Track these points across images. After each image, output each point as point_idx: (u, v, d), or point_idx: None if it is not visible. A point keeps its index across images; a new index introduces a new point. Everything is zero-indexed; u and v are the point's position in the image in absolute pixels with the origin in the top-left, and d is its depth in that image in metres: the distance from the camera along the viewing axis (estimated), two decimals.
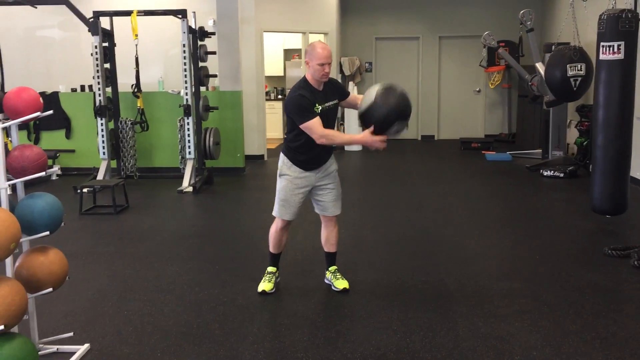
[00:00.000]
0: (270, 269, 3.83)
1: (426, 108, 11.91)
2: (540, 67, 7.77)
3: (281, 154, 3.66)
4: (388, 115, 3.29)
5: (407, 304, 3.55)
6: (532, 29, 7.93)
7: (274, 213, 3.70)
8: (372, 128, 3.33)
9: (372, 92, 3.34)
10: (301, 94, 3.43)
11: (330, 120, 3.59)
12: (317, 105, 3.45)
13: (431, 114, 11.93)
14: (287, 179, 3.60)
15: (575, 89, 6.33)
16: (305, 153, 3.55)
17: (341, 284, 3.76)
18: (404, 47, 11.84)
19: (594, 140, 4.92)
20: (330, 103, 3.56)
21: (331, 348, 3.01)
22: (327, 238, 3.81)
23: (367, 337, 3.12)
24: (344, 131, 10.66)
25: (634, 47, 4.61)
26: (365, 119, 3.36)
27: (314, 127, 3.39)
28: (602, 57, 4.68)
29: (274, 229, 3.75)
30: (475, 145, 10.38)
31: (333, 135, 3.48)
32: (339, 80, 10.73)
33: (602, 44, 4.67)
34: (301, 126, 3.41)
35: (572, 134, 8.47)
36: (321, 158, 3.61)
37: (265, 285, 3.75)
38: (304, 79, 3.53)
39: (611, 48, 4.59)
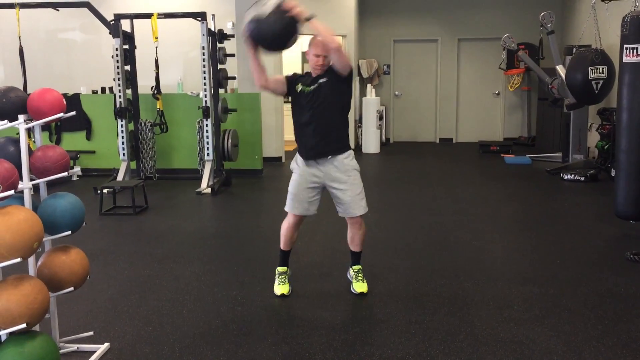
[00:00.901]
0: (280, 269, 3.81)
1: (445, 110, 11.85)
2: (561, 70, 7.71)
3: None
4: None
5: (426, 308, 3.53)
6: (552, 32, 7.87)
7: (285, 207, 3.69)
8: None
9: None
10: (295, 72, 3.69)
11: (318, 107, 3.49)
12: (299, 84, 3.56)
13: (450, 116, 11.87)
14: (297, 172, 3.63)
15: (596, 91, 6.28)
16: (296, 134, 3.66)
17: (360, 287, 3.74)
18: (422, 49, 11.80)
19: (617, 144, 4.85)
20: (321, 80, 3.51)
21: (349, 351, 3.01)
22: (352, 238, 3.77)
23: (386, 341, 3.11)
24: (361, 133, 10.66)
25: None
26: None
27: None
28: (625, 59, 4.62)
29: (286, 225, 3.73)
30: (494, 148, 10.30)
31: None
32: (358, 91, 10.77)
33: (625, 46, 4.61)
34: None
35: (593, 137, 8.37)
36: (307, 141, 3.56)
37: (282, 288, 3.74)
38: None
39: (635, 50, 4.53)
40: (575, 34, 9.34)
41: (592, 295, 3.70)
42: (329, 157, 3.55)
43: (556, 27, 8.12)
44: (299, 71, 12.11)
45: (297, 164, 3.65)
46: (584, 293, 3.73)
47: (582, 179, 7.39)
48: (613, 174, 6.42)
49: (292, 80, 3.60)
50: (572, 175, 7.49)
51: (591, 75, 6.16)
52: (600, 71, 6.16)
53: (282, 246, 3.80)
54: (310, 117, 3.53)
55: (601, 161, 7.71)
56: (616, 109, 5.03)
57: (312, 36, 3.53)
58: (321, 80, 3.51)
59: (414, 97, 11.94)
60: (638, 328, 3.21)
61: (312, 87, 3.52)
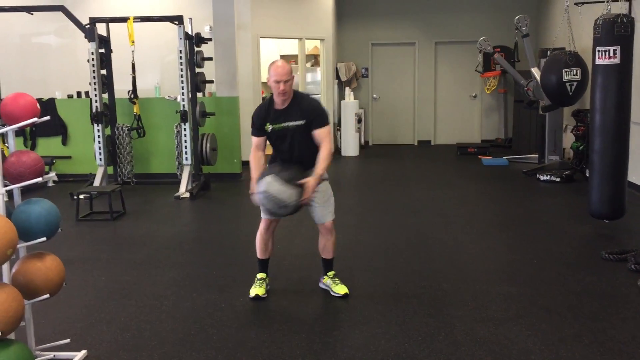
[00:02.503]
0: (259, 275, 3.83)
1: (423, 113, 11.93)
2: (536, 72, 7.81)
3: None
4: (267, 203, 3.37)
5: (405, 309, 3.54)
6: (527, 35, 7.97)
7: (261, 214, 3.75)
8: (255, 190, 3.41)
9: (292, 196, 3.33)
10: (259, 109, 3.67)
11: (294, 141, 3.55)
12: (267, 124, 3.57)
13: (428, 119, 11.95)
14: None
15: (570, 93, 6.37)
16: (274, 159, 3.71)
17: (341, 289, 3.75)
18: (400, 52, 11.88)
19: (591, 145, 4.93)
20: (291, 123, 3.52)
21: (329, 354, 3.01)
22: (324, 246, 3.80)
23: (365, 343, 3.12)
24: (340, 136, 10.69)
25: (629, 52, 4.63)
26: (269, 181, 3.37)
27: (253, 143, 3.68)
28: (598, 61, 4.70)
29: (259, 232, 3.78)
30: (472, 150, 10.40)
31: (251, 161, 3.65)
32: (336, 94, 10.80)
33: (598, 48, 4.69)
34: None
35: (568, 139, 8.49)
36: (283, 161, 3.64)
37: (257, 289, 3.75)
38: (271, 97, 3.60)
39: (607, 52, 4.61)
40: (550, 37, 9.47)
41: (569, 294, 3.75)
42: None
43: (531, 30, 8.23)
44: None
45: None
46: (560, 292, 3.78)
47: (558, 179, 7.49)
48: (588, 174, 6.53)
49: (260, 123, 3.61)
50: (548, 176, 7.59)
51: (565, 78, 6.25)
52: (574, 73, 6.24)
53: (258, 255, 3.83)
54: (285, 146, 3.61)
55: (576, 162, 7.82)
56: (589, 110, 5.12)
57: (271, 62, 3.55)
58: (290, 124, 3.53)
59: (392, 100, 12.00)
60: (614, 326, 3.26)
61: (280, 125, 3.55)
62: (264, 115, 3.59)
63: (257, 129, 3.63)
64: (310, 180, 3.39)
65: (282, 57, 12.11)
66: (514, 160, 9.32)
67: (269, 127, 3.57)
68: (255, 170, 3.58)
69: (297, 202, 3.34)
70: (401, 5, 11.57)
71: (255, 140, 3.67)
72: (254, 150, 3.66)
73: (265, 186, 3.32)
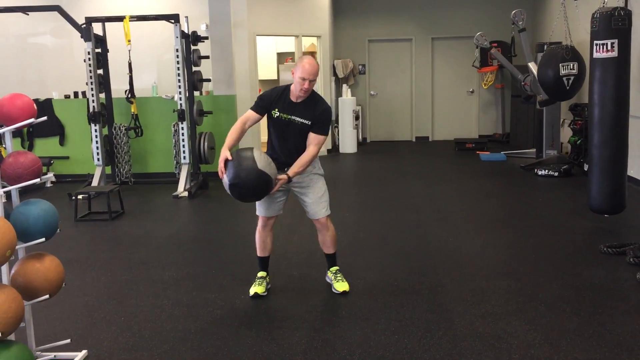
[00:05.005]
0: (259, 273, 3.84)
1: (420, 109, 11.93)
2: (533, 67, 7.81)
3: None
4: (236, 177, 3.32)
5: (405, 305, 3.55)
6: (524, 29, 7.97)
7: (256, 212, 3.74)
8: (228, 158, 3.36)
9: (265, 164, 3.35)
10: (272, 90, 3.61)
11: (291, 136, 3.56)
12: (276, 109, 3.53)
13: (425, 115, 11.95)
14: None
15: (568, 87, 6.37)
16: (271, 149, 3.67)
17: (341, 286, 3.76)
18: (396, 48, 11.87)
19: (590, 139, 4.93)
20: (298, 119, 3.53)
21: (329, 350, 3.01)
22: (323, 241, 3.82)
23: (365, 339, 3.12)
24: (338, 133, 10.68)
25: (627, 45, 4.63)
26: (240, 160, 3.36)
27: (245, 114, 3.57)
28: (595, 55, 4.70)
29: (257, 230, 3.79)
30: (470, 145, 10.40)
31: (232, 129, 3.52)
32: (334, 91, 10.79)
33: (595, 42, 4.69)
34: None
35: (566, 133, 8.50)
36: (279, 153, 3.64)
37: (257, 288, 3.75)
38: (288, 86, 3.58)
39: (605, 46, 4.61)
40: (546, 31, 9.47)
41: (568, 288, 3.76)
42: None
43: (527, 25, 8.23)
44: (274, 74, 12.12)
45: None
46: (560, 286, 3.79)
47: (556, 174, 7.50)
48: (586, 168, 6.53)
49: (269, 103, 3.54)
50: (546, 171, 7.60)
51: (562, 72, 6.25)
52: (571, 67, 6.25)
53: (257, 253, 3.84)
54: (282, 135, 3.59)
55: (574, 156, 7.83)
56: (587, 104, 5.11)
57: (300, 57, 3.54)
58: (297, 119, 3.53)
59: (389, 96, 12.00)
60: (613, 320, 3.26)
61: (288, 116, 3.53)
62: (276, 99, 3.54)
63: (261, 107, 3.55)
64: (283, 177, 3.44)
65: (279, 54, 12.16)
66: (511, 155, 9.32)
67: (276, 113, 3.53)
68: (231, 139, 3.46)
69: (269, 184, 3.32)
70: (397, 1, 11.55)
71: (250, 113, 3.56)
72: (241, 122, 3.54)
73: (252, 153, 3.33)
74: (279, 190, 3.56)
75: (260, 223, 3.75)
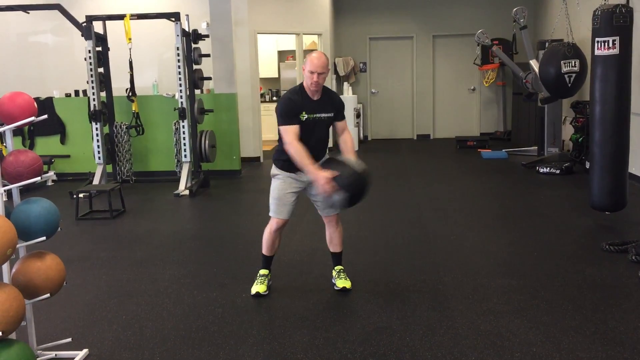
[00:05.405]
0: (262, 271, 3.82)
1: (421, 107, 11.92)
2: (534, 64, 7.80)
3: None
4: (352, 186, 3.38)
5: (406, 303, 3.54)
6: (525, 27, 7.95)
7: (270, 213, 3.70)
8: (331, 175, 3.34)
9: (360, 164, 3.48)
10: (290, 98, 3.53)
11: (317, 131, 3.57)
12: (303, 113, 3.50)
13: (426, 113, 11.94)
14: (279, 178, 3.64)
15: (569, 85, 6.37)
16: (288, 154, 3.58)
17: (341, 283, 3.76)
18: (398, 46, 11.85)
19: (591, 136, 4.92)
20: (323, 115, 3.57)
21: (331, 349, 3.01)
22: (331, 238, 3.83)
23: (367, 337, 3.12)
24: None
25: (629, 42, 4.62)
26: (338, 171, 3.38)
27: (287, 132, 3.47)
28: (597, 52, 4.69)
29: (268, 230, 3.74)
30: (471, 143, 10.39)
31: (295, 151, 3.43)
32: (335, 89, 10.78)
33: (597, 39, 4.68)
34: (279, 127, 3.52)
35: (568, 131, 8.49)
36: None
37: (258, 287, 3.74)
38: (301, 85, 3.58)
39: (606, 43, 4.60)
40: (548, 29, 9.45)
41: (570, 286, 3.75)
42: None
43: (529, 22, 8.20)
44: (275, 72, 12.10)
45: (279, 172, 3.65)
46: (561, 284, 3.78)
47: (558, 171, 7.49)
48: (587, 166, 6.52)
49: (297, 111, 3.50)
50: (548, 169, 7.59)
51: (564, 69, 6.24)
52: (573, 65, 6.24)
53: (264, 251, 3.81)
54: (311, 133, 3.56)
55: (576, 154, 7.82)
56: (589, 101, 5.10)
57: (309, 52, 3.56)
58: (322, 115, 3.57)
59: (390, 94, 11.98)
60: (615, 317, 3.26)
61: (314, 115, 3.55)
62: (300, 104, 3.51)
63: (292, 117, 3.49)
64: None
65: (280, 52, 12.15)
66: (513, 153, 9.31)
67: (304, 116, 3.52)
68: (306, 158, 3.41)
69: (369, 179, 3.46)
70: None
71: (293, 129, 3.45)
72: (295, 140, 3.44)
73: (357, 165, 3.43)
74: (292, 192, 3.61)
75: (274, 225, 3.70)
